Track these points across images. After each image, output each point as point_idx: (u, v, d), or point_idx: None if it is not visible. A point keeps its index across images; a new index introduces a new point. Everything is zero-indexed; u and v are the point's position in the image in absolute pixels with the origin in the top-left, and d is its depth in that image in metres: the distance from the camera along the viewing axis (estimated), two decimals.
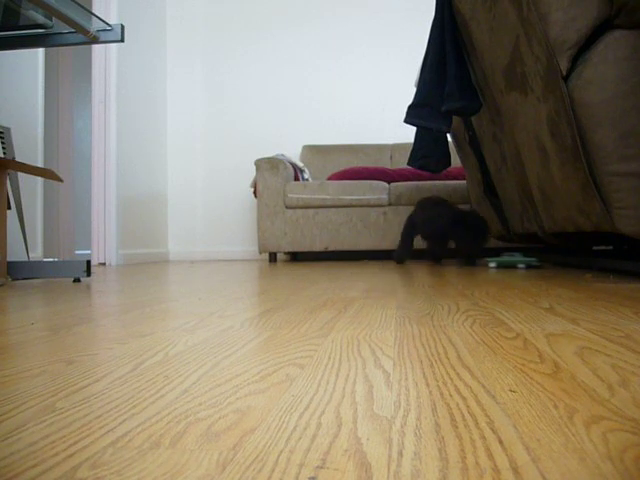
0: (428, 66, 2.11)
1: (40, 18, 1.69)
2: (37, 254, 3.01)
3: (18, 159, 2.33)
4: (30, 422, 0.38)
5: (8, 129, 2.34)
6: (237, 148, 4.34)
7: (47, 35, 1.74)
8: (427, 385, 0.46)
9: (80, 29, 1.64)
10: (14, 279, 1.88)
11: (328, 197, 3.39)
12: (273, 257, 3.60)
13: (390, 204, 3.39)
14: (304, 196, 3.39)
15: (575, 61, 1.37)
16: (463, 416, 0.38)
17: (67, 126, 4.10)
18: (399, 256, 2.58)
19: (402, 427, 0.36)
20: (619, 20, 1.31)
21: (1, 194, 1.74)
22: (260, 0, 4.34)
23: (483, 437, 0.34)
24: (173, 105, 4.39)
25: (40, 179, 3.03)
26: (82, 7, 1.61)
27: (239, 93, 4.35)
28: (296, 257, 3.97)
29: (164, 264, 3.50)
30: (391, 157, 4.10)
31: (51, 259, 2.68)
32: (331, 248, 3.38)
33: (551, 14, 1.36)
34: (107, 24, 1.70)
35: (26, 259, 2.25)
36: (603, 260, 1.84)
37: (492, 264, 2.22)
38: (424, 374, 0.50)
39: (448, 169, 3.44)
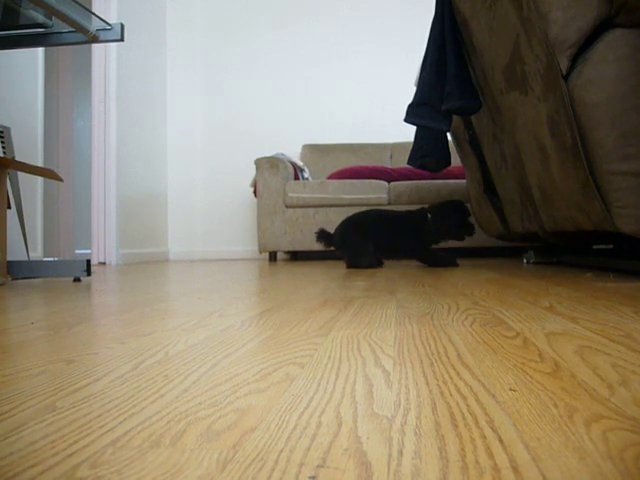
0: (428, 65, 2.11)
1: (40, 17, 1.69)
2: (37, 254, 3.01)
3: (18, 159, 2.33)
4: (30, 421, 0.38)
5: (8, 129, 2.33)
6: (237, 148, 4.34)
7: (47, 34, 1.73)
8: (427, 384, 0.46)
9: (80, 28, 1.64)
10: (14, 278, 1.88)
11: (328, 196, 3.38)
12: (273, 256, 3.60)
13: (390, 203, 3.39)
14: (304, 195, 3.39)
15: (575, 60, 1.36)
16: (463, 415, 0.38)
17: (67, 126, 4.10)
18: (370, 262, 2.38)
19: (402, 426, 0.36)
20: (619, 19, 1.31)
21: (1, 194, 1.74)
22: (260, 0, 4.35)
23: (483, 436, 0.34)
24: (173, 105, 4.39)
25: (40, 179, 3.03)
26: (82, 6, 1.61)
27: (239, 93, 4.35)
28: (296, 256, 3.97)
29: (164, 264, 3.50)
30: (391, 156, 4.10)
31: (51, 258, 2.68)
32: (331, 247, 3.38)
33: (551, 13, 1.36)
34: (107, 23, 1.70)
35: (26, 258, 2.25)
36: (603, 259, 1.84)
37: None
38: (424, 373, 0.50)
39: (449, 168, 3.44)
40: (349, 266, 2.39)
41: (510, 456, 0.30)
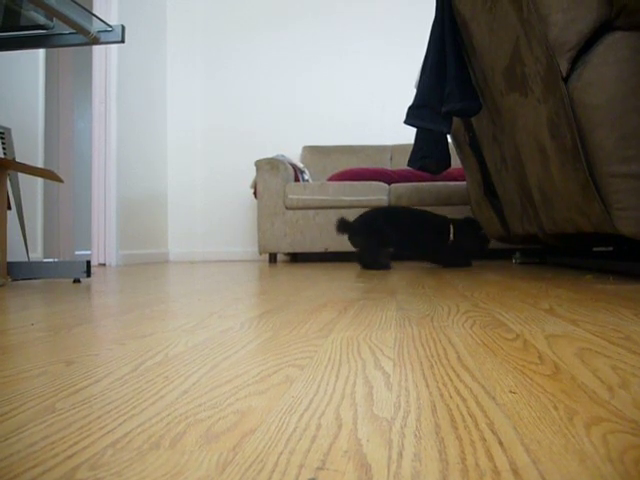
0: (428, 67, 2.11)
1: (41, 19, 1.69)
2: (37, 254, 3.01)
3: (18, 159, 2.33)
4: (30, 423, 0.38)
5: (8, 129, 2.34)
6: (237, 148, 4.34)
7: (48, 36, 1.74)
8: (427, 386, 0.46)
9: (81, 30, 1.64)
10: (14, 279, 1.88)
11: (328, 198, 3.38)
12: (273, 258, 3.60)
13: (390, 205, 3.39)
14: (304, 197, 3.39)
15: (575, 62, 1.37)
16: (463, 417, 0.38)
17: (67, 126, 4.10)
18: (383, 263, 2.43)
19: (402, 428, 0.36)
20: (619, 21, 1.31)
21: (1, 194, 1.74)
22: (260, 1, 4.35)
23: (483, 438, 0.34)
24: (173, 105, 4.39)
25: (40, 180, 3.03)
26: (82, 8, 1.61)
27: (239, 93, 4.35)
28: (296, 258, 3.97)
29: (164, 265, 3.50)
30: (391, 158, 4.10)
31: (51, 259, 2.68)
32: (331, 249, 3.38)
33: (551, 15, 1.36)
34: (107, 25, 1.70)
35: (26, 259, 2.25)
36: (603, 261, 1.84)
37: None
38: (424, 375, 0.50)
39: (449, 170, 3.44)
40: (360, 259, 2.43)
41: (510, 459, 0.30)
